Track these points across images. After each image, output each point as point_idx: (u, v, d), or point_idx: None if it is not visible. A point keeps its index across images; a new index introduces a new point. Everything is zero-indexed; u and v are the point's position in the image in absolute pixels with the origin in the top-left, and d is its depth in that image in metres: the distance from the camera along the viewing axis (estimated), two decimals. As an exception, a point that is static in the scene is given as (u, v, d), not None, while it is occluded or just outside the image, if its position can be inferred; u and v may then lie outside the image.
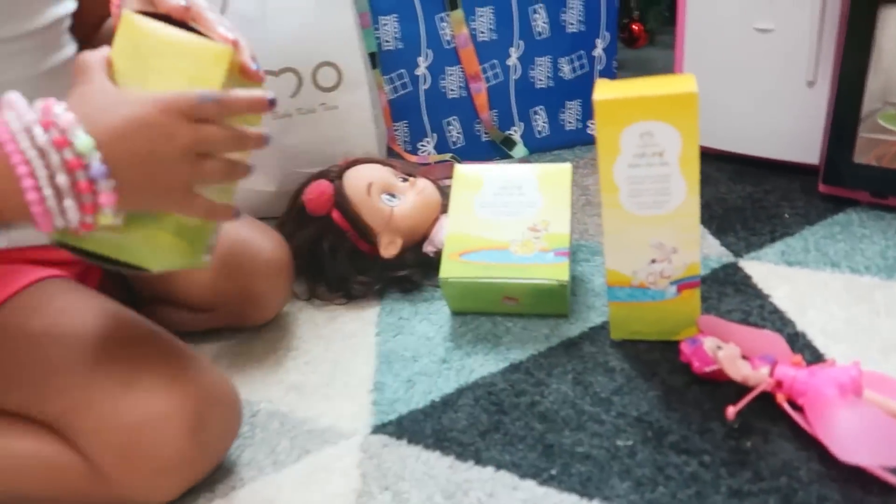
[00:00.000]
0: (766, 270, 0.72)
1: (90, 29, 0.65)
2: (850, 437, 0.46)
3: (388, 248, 0.75)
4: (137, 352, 0.50)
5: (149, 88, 0.42)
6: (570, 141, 1.11)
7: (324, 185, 0.75)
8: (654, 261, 0.59)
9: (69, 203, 0.39)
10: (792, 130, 0.90)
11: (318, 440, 0.55)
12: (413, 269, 0.75)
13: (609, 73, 1.09)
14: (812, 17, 0.83)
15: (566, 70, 1.07)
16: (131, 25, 0.45)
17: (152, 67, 0.44)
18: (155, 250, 0.45)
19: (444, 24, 1.00)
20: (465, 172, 0.72)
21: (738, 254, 0.76)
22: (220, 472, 0.52)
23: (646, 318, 0.61)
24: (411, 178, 0.79)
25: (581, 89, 1.09)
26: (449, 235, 0.68)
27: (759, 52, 0.89)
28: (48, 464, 0.48)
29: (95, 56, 0.43)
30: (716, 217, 0.84)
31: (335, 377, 0.63)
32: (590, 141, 1.11)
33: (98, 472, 0.46)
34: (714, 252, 0.77)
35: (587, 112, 1.11)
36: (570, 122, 1.11)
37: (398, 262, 0.75)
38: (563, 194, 0.68)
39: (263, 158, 0.89)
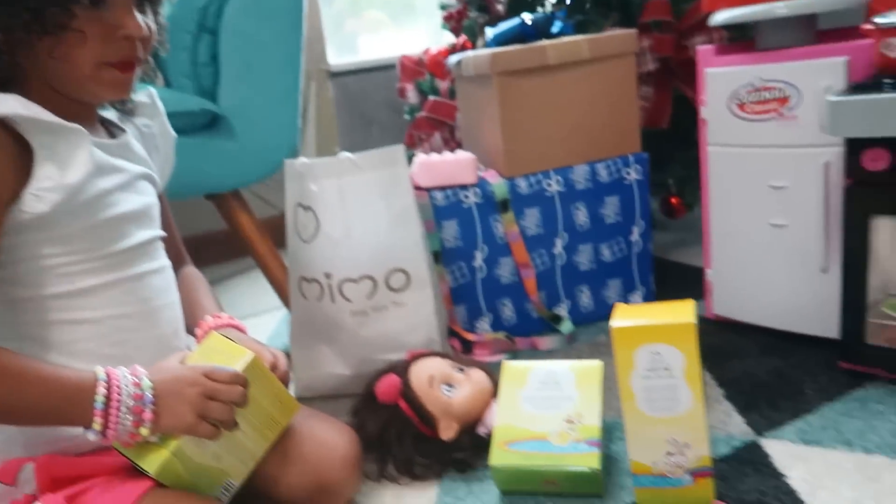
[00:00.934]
0: (785, 450, 0.80)
1: None
2: None
3: (447, 432, 0.88)
4: None
5: None
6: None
7: (392, 379, 0.90)
8: (669, 454, 0.69)
9: (127, 417, 0.61)
10: (814, 308, 1.00)
11: None
12: (468, 452, 0.87)
13: (646, 254, 1.23)
14: (817, 218, 0.96)
15: (606, 254, 1.22)
16: (213, 338, 0.73)
17: (207, 360, 0.70)
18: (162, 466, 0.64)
19: (498, 223, 1.17)
20: (512, 367, 0.86)
21: (759, 432, 0.85)
22: None
23: (667, 501, 0.71)
24: (466, 370, 0.93)
25: (621, 269, 1.23)
26: (497, 427, 0.80)
27: (776, 242, 1.02)
28: None
29: (173, 356, 0.71)
30: (744, 393, 0.94)
31: (403, 553, 0.74)
32: (633, 314, 1.23)
33: None
34: (738, 431, 0.86)
35: (628, 288, 1.24)
36: (611, 297, 1.24)
37: (455, 445, 0.87)
38: (594, 390, 0.80)
39: (342, 347, 1.07)
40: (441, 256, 1.17)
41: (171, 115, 1.23)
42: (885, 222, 0.84)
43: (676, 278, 1.37)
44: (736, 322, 1.12)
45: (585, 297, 1.23)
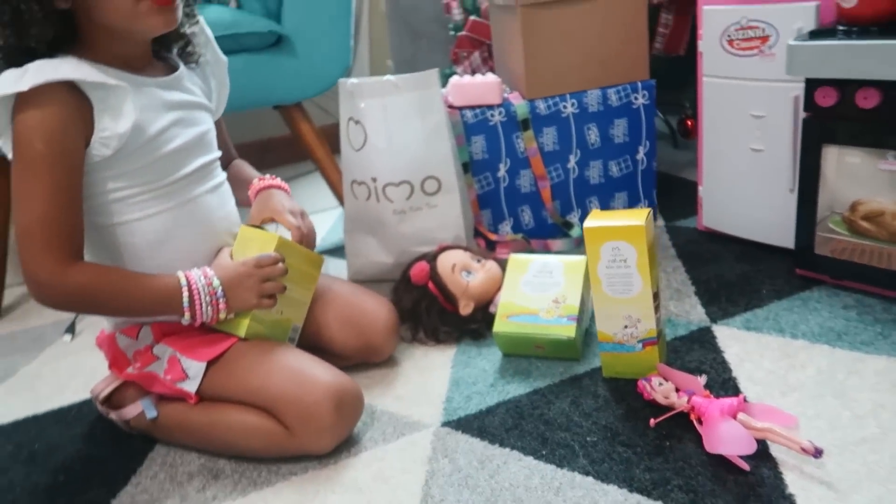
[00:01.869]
0: (730, 333, 1.01)
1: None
2: (717, 438, 0.76)
3: (465, 308, 1.11)
4: (308, 365, 0.88)
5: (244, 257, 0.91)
6: (619, 222, 1.42)
7: (423, 265, 1.13)
8: (626, 326, 0.91)
9: (208, 309, 0.85)
10: (782, 222, 1.16)
11: (410, 428, 0.91)
12: (480, 324, 1.10)
13: (650, 172, 1.41)
14: (788, 145, 1.12)
15: (615, 170, 1.40)
16: (243, 230, 0.94)
17: (245, 249, 0.91)
18: (247, 330, 0.89)
19: (519, 140, 1.36)
20: (516, 259, 1.08)
21: (714, 320, 1.05)
22: (351, 440, 0.90)
23: (623, 363, 0.93)
24: (483, 261, 1.15)
25: (627, 184, 1.41)
26: (501, 303, 1.03)
27: (755, 164, 1.18)
28: (264, 429, 0.86)
29: (224, 251, 0.92)
30: (710, 291, 1.13)
31: (423, 391, 0.99)
32: (636, 222, 1.42)
33: (290, 432, 0.85)
34: (697, 318, 1.06)
35: (633, 201, 1.42)
36: (618, 208, 1.42)
37: (471, 318, 1.11)
38: (577, 279, 1.02)
39: (385, 240, 1.29)
40: (470, 167, 1.37)
41: (242, 35, 1.44)
42: (833, 150, 1.00)
43: (680, 194, 1.54)
44: (720, 233, 1.30)
45: (595, 207, 1.42)
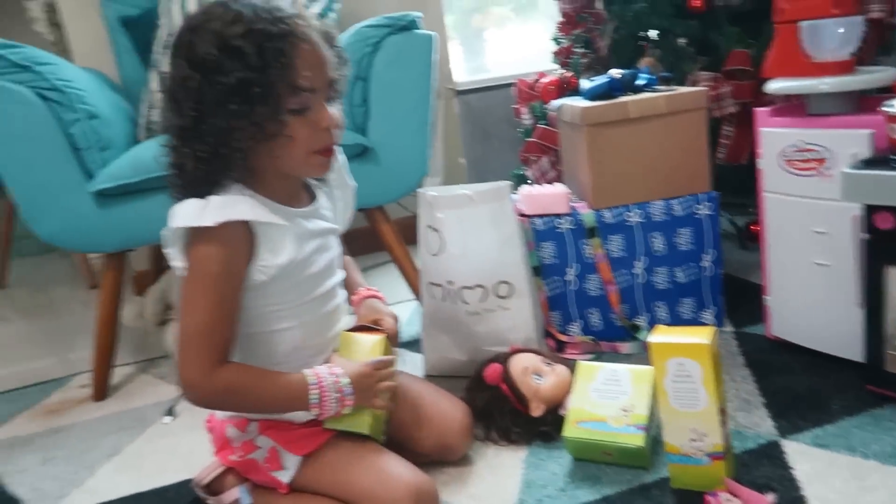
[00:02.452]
0: (799, 449, 1.02)
1: None
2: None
3: (536, 411, 1.16)
4: (391, 463, 0.96)
5: (354, 359, 0.98)
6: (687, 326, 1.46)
7: (497, 366, 1.20)
8: (692, 440, 0.95)
9: (335, 405, 0.92)
10: (851, 335, 1.17)
11: (483, 529, 0.96)
12: (551, 426, 1.15)
13: (716, 279, 1.45)
14: (852, 261, 1.15)
15: (681, 276, 1.45)
16: (344, 336, 1.02)
17: (353, 351, 1.00)
18: (360, 425, 0.96)
19: (587, 246, 1.43)
20: (585, 365, 1.13)
21: (783, 434, 1.07)
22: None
23: (691, 475, 0.96)
24: (553, 364, 1.21)
25: (694, 290, 1.45)
26: (571, 408, 1.08)
27: (820, 278, 1.21)
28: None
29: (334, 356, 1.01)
30: (780, 403, 1.15)
31: (496, 491, 1.04)
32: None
33: None
34: (765, 431, 1.08)
35: (699, 306, 1.46)
36: (685, 313, 1.47)
37: (542, 420, 1.16)
38: (645, 388, 1.06)
39: (460, 338, 1.37)
40: (540, 270, 1.44)
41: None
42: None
43: (749, 298, 1.57)
44: (788, 343, 1.32)
45: (662, 312, 1.47)
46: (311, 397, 0.91)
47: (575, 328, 1.47)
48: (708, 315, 1.46)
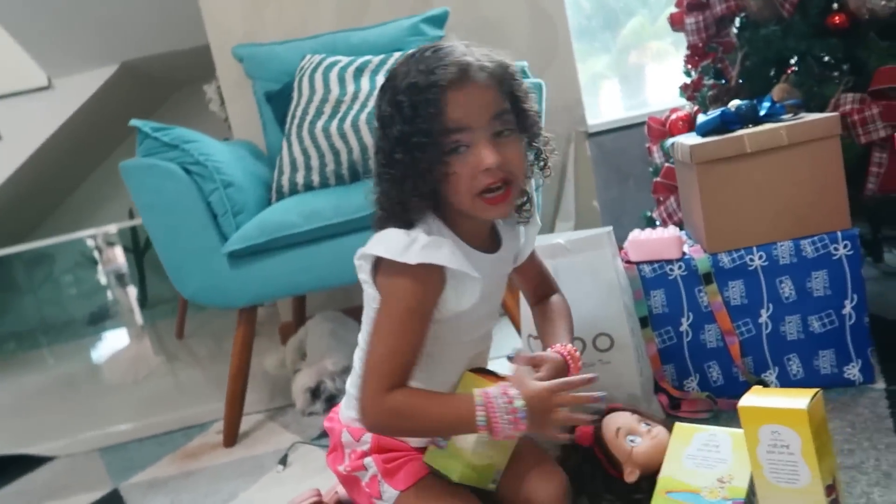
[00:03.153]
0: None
1: None
2: None
3: (630, 476, 1.06)
4: None
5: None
6: (827, 383, 1.27)
7: (588, 427, 1.12)
8: (797, 521, 0.81)
9: (508, 427, 0.86)
10: None
11: None
12: (646, 494, 1.04)
13: (861, 328, 1.25)
14: None
15: (816, 326, 1.27)
16: (466, 376, 0.97)
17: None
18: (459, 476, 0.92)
19: (702, 293, 1.31)
20: (682, 427, 1.02)
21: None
22: None
23: (798, 563, 0.82)
24: (651, 426, 1.10)
25: (833, 341, 1.27)
26: (661, 476, 0.98)
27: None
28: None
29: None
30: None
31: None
32: (848, 383, 1.26)
33: None
34: (908, 514, 0.90)
35: (842, 359, 1.27)
36: (824, 367, 1.28)
37: (636, 487, 1.06)
38: (748, 457, 0.93)
39: (560, 395, 1.30)
40: (650, 320, 1.34)
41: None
42: None
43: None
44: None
45: (795, 366, 1.29)
46: (478, 419, 0.87)
47: (691, 383, 1.34)
48: (852, 369, 1.26)
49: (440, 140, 0.87)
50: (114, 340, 3.67)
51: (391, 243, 0.90)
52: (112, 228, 4.15)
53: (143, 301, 4.16)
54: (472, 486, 0.99)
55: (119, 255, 4.30)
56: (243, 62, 2.20)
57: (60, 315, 4.21)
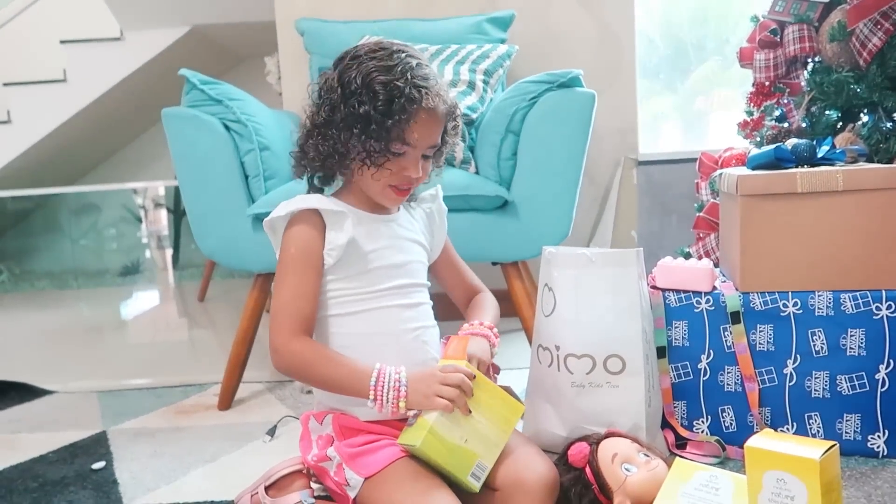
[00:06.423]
0: None
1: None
2: None
3: (618, 506, 1.01)
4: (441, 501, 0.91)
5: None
6: (848, 450, 1.19)
7: (584, 446, 1.06)
8: (788, 581, 0.74)
9: (390, 394, 0.96)
10: None
11: None
12: (632, 528, 0.98)
13: (894, 396, 1.17)
14: None
15: (845, 386, 1.19)
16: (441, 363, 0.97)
17: None
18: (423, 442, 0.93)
19: (727, 333, 1.24)
20: (682, 463, 0.96)
21: None
22: None
23: None
24: (650, 457, 1.04)
25: (861, 405, 1.19)
26: (652, 511, 0.92)
27: None
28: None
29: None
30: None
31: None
32: (871, 454, 1.18)
33: None
34: None
35: (868, 427, 1.19)
36: (847, 433, 1.20)
37: (624, 519, 1.00)
38: (747, 504, 0.86)
39: (561, 411, 1.25)
40: (667, 351, 1.27)
41: (472, 197, 1.58)
42: None
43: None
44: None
45: (815, 425, 1.21)
46: (370, 382, 0.98)
47: (702, 425, 1.27)
48: (878, 439, 1.18)
49: (394, 141, 1.00)
50: (140, 296, 3.72)
51: (276, 210, 1.06)
52: (156, 184, 4.23)
53: (175, 261, 4.23)
54: (456, 484, 0.95)
55: (163, 218, 4.37)
56: (304, 36, 2.20)
57: (95, 263, 4.28)
